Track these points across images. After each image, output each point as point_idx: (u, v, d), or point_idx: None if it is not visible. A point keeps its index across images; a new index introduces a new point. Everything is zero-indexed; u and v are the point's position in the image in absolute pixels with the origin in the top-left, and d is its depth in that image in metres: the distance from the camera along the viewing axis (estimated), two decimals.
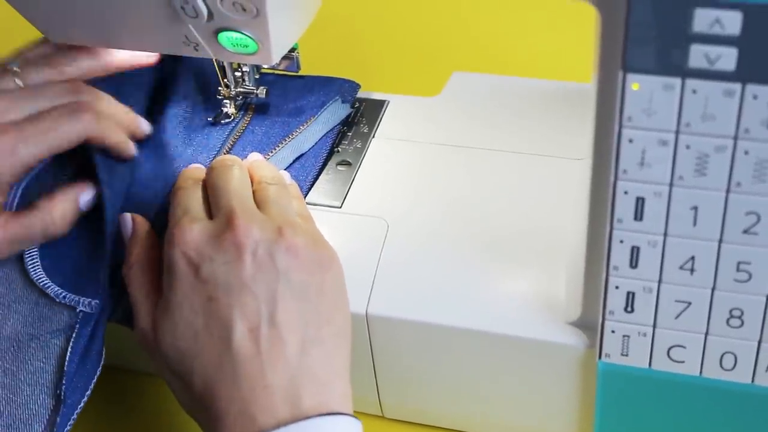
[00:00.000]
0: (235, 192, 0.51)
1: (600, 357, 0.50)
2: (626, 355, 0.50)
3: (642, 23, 0.40)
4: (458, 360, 0.55)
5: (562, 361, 0.53)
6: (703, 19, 0.39)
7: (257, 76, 0.64)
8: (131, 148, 0.57)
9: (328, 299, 0.49)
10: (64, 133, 0.53)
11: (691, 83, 0.41)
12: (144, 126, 0.60)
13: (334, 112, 0.64)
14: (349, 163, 0.63)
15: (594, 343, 0.51)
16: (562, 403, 0.55)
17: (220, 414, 0.46)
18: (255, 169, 0.55)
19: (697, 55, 0.40)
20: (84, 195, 0.54)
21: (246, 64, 0.63)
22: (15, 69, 0.57)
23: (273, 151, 0.61)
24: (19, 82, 0.56)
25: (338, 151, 0.64)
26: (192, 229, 0.49)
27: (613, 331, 0.49)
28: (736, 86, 0.40)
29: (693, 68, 0.40)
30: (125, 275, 0.52)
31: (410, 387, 0.58)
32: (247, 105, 0.65)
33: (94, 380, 0.52)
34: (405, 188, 0.61)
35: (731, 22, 0.39)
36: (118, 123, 0.57)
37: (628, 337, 0.49)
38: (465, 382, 0.56)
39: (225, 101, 0.64)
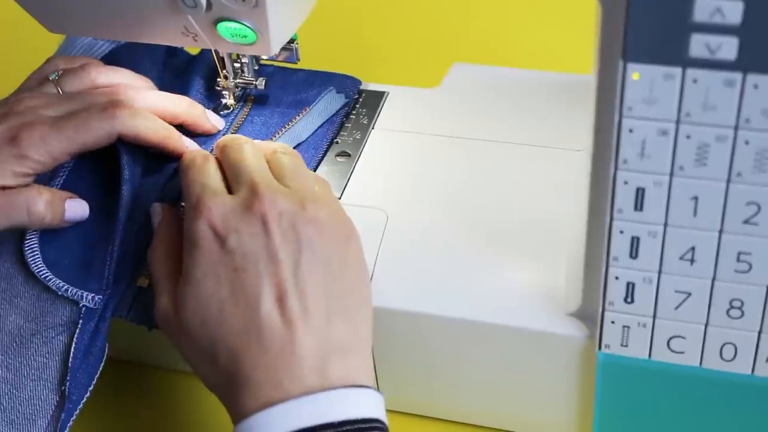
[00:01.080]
0: (253, 166, 0.52)
1: (600, 348, 0.50)
2: (626, 346, 0.50)
3: (643, 12, 0.40)
4: (458, 351, 0.55)
5: (562, 352, 0.53)
6: (703, 9, 0.39)
7: (256, 67, 0.64)
8: (179, 142, 0.58)
9: (350, 270, 0.50)
10: (96, 129, 0.54)
11: (692, 73, 0.41)
12: (214, 120, 0.61)
13: (329, 103, 0.64)
14: (348, 155, 0.63)
15: (594, 333, 0.51)
16: (562, 393, 0.55)
17: (245, 381, 0.46)
18: (264, 144, 0.56)
19: (698, 45, 0.40)
20: (72, 203, 0.54)
21: (245, 55, 0.62)
22: (55, 78, 0.58)
23: (272, 139, 0.61)
24: (59, 90, 0.58)
25: (337, 143, 0.63)
26: (216, 202, 0.49)
27: (612, 322, 0.49)
28: (737, 76, 0.40)
29: (694, 57, 0.40)
30: (149, 256, 0.53)
31: (410, 378, 0.58)
32: (246, 96, 0.65)
33: (97, 375, 0.52)
34: (404, 179, 0.60)
35: (732, 11, 0.39)
36: (171, 116, 0.58)
37: (628, 327, 0.49)
38: (465, 374, 0.56)
39: (224, 92, 0.64)
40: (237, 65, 0.63)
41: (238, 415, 0.46)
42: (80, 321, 0.52)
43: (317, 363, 0.46)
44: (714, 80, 0.40)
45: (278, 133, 0.62)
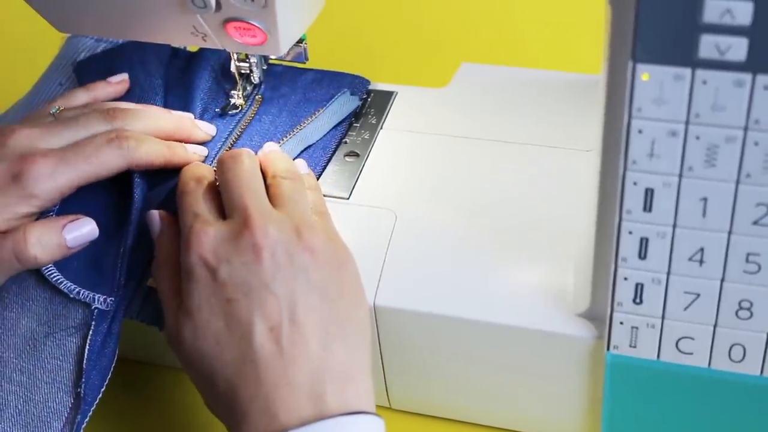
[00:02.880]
0: (247, 188, 0.51)
1: (608, 348, 0.50)
2: (634, 347, 0.50)
3: (652, 13, 0.40)
4: (466, 351, 0.55)
5: (571, 353, 0.53)
6: (713, 9, 0.39)
7: (265, 67, 0.64)
8: (186, 155, 0.57)
9: (347, 296, 0.49)
10: (106, 161, 0.53)
11: (702, 73, 0.41)
12: (204, 128, 0.61)
13: (343, 105, 0.64)
14: (357, 155, 0.63)
15: (602, 334, 0.51)
16: (570, 394, 0.55)
17: (243, 413, 0.46)
18: (269, 162, 0.54)
19: (708, 46, 0.40)
20: (72, 227, 0.52)
21: (254, 55, 0.62)
22: (54, 113, 0.57)
23: (280, 142, 0.61)
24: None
25: (346, 143, 0.63)
26: (207, 233, 0.49)
27: (621, 323, 0.49)
28: (747, 76, 0.40)
29: (703, 58, 0.40)
30: (154, 273, 0.52)
31: (418, 378, 0.58)
32: (255, 96, 0.65)
33: (109, 376, 0.52)
34: (413, 179, 0.60)
35: (742, 12, 0.39)
36: (164, 135, 0.57)
37: (637, 328, 0.49)
38: (473, 374, 0.56)
39: (233, 92, 0.64)
40: (245, 65, 0.63)
41: None
42: (93, 323, 0.52)
43: (313, 392, 0.45)
44: (723, 81, 0.40)
45: (288, 135, 0.62)
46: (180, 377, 0.65)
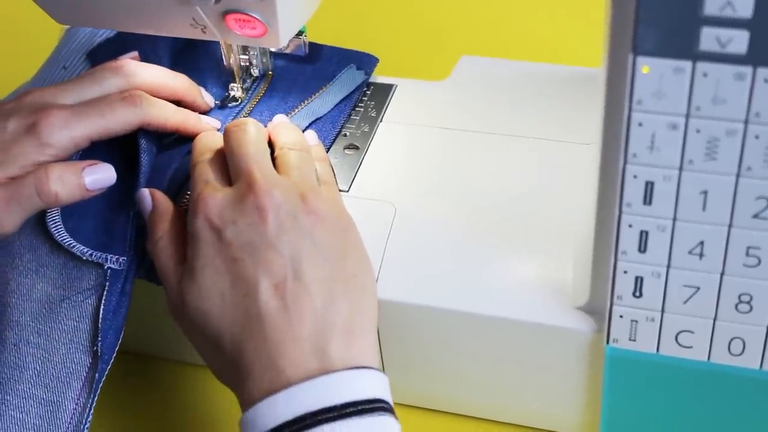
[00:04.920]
0: (252, 155, 0.52)
1: (608, 342, 0.50)
2: (634, 340, 0.50)
3: (653, 6, 0.40)
4: (465, 345, 0.55)
5: (570, 346, 0.53)
6: (714, 2, 0.39)
7: (264, 59, 0.64)
8: (199, 124, 0.58)
9: (352, 257, 0.50)
10: (119, 116, 0.54)
11: (702, 66, 0.40)
12: (208, 99, 0.62)
13: (350, 79, 0.65)
14: (356, 147, 0.62)
15: (602, 328, 0.51)
16: (570, 388, 0.55)
17: (248, 369, 0.46)
18: (278, 134, 0.55)
19: (709, 38, 0.40)
20: (91, 170, 0.53)
21: (254, 47, 0.62)
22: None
23: (289, 114, 0.62)
24: None
25: (346, 135, 0.63)
26: (214, 197, 0.50)
27: (621, 316, 0.49)
28: (748, 69, 0.40)
29: (704, 51, 0.40)
30: (150, 250, 0.53)
31: (417, 372, 0.58)
32: (255, 88, 0.65)
33: (122, 333, 0.54)
34: (413, 172, 0.60)
35: (743, 4, 0.38)
36: (170, 91, 0.58)
37: (636, 322, 0.49)
38: (472, 367, 0.56)
39: (232, 85, 0.64)
40: (245, 57, 0.63)
41: (245, 404, 0.46)
42: (107, 283, 0.53)
43: (317, 347, 0.46)
44: (724, 74, 0.40)
45: (296, 109, 0.62)
46: (179, 369, 0.65)
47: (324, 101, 0.63)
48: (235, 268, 0.48)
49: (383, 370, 0.59)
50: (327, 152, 0.61)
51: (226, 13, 0.54)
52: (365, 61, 0.66)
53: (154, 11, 0.55)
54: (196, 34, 0.57)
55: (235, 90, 0.64)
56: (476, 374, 0.57)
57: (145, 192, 0.54)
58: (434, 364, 0.57)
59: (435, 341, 0.56)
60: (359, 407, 0.44)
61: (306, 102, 0.63)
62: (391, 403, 0.47)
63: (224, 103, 0.63)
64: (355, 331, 0.47)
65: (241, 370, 0.47)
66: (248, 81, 0.65)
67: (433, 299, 0.54)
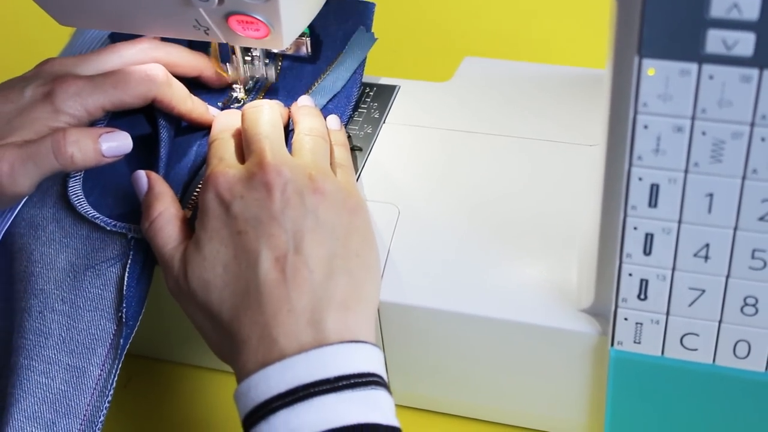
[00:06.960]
0: (265, 135, 0.53)
1: (612, 344, 0.50)
2: (639, 343, 0.49)
3: (659, 7, 0.39)
4: (469, 347, 0.55)
5: (575, 349, 0.52)
6: (720, 4, 0.39)
7: (266, 61, 0.64)
8: (206, 114, 0.60)
9: (356, 237, 0.51)
10: (133, 88, 0.55)
11: (708, 68, 0.40)
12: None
13: (360, 42, 0.65)
14: (360, 149, 0.62)
15: (606, 330, 0.51)
16: (574, 390, 0.55)
17: (244, 341, 0.47)
18: (298, 118, 0.57)
19: (714, 40, 0.39)
20: (108, 137, 0.54)
21: (256, 48, 0.62)
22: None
23: (307, 92, 0.62)
24: None
25: (349, 136, 0.63)
26: (225, 174, 0.51)
27: (626, 319, 0.49)
28: (754, 72, 0.40)
29: (710, 53, 0.40)
30: (145, 231, 0.53)
31: (420, 374, 0.58)
32: (257, 89, 0.65)
33: (146, 302, 0.54)
34: (416, 174, 0.60)
35: (749, 6, 0.38)
36: (194, 70, 0.60)
37: (641, 324, 0.49)
38: (476, 369, 0.56)
39: (234, 85, 0.64)
40: (248, 58, 0.63)
41: (239, 376, 0.46)
42: (131, 252, 0.54)
43: (313, 319, 0.46)
44: (730, 76, 0.40)
45: (313, 86, 0.62)
46: (184, 372, 0.65)
47: (338, 75, 0.63)
48: (239, 241, 0.49)
49: (387, 374, 0.59)
50: (345, 126, 0.62)
51: (229, 14, 0.54)
52: (363, 11, 0.65)
53: (156, 12, 0.55)
54: (198, 36, 0.57)
55: (237, 91, 0.64)
56: (480, 377, 0.57)
57: (141, 173, 0.55)
58: (438, 366, 0.57)
59: (439, 343, 0.55)
60: (352, 380, 0.45)
61: (322, 76, 0.63)
62: (386, 377, 0.47)
63: (226, 104, 0.63)
64: (352, 305, 0.48)
65: (238, 342, 0.47)
66: (249, 82, 0.64)
67: (436, 301, 0.54)
